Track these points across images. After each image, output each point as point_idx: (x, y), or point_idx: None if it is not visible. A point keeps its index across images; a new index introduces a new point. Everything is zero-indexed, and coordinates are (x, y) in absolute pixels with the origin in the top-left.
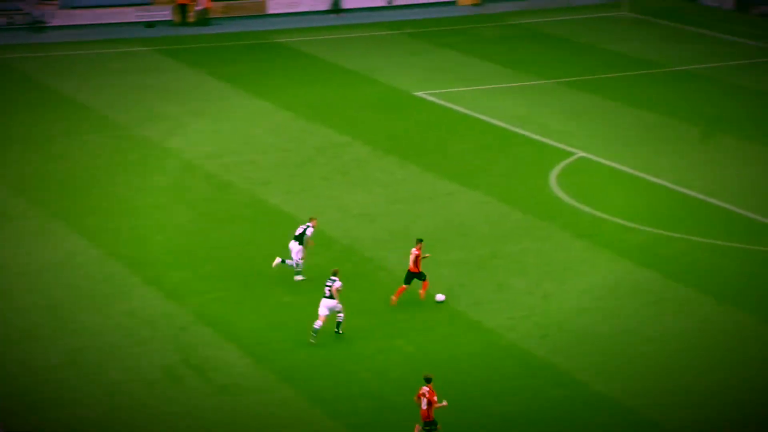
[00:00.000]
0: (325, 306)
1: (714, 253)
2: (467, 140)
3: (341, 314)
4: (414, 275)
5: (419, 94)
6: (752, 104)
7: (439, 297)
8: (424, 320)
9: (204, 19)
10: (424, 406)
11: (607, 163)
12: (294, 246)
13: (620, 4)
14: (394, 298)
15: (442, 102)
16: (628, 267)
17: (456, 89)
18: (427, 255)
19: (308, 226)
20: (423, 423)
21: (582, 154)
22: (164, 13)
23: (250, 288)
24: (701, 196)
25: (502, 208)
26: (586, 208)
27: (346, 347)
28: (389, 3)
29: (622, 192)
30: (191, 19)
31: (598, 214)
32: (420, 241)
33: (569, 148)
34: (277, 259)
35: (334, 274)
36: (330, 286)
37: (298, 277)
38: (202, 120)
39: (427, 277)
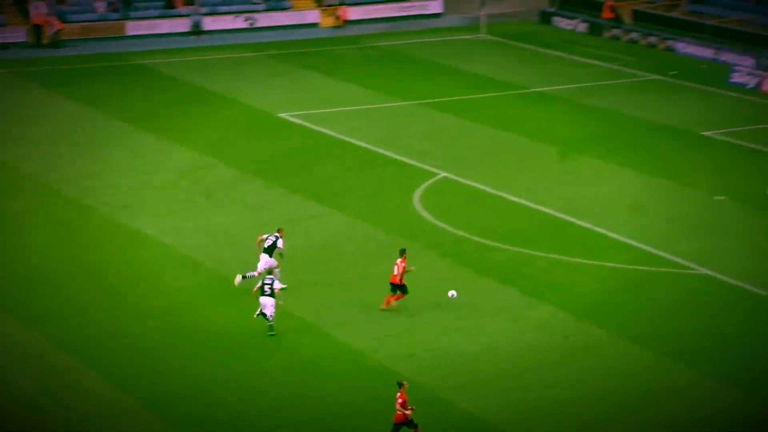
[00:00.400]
0: (264, 305)
1: (572, 271)
2: (332, 162)
3: (271, 316)
4: (397, 287)
5: (283, 115)
6: (606, 124)
7: (452, 293)
8: (291, 342)
9: (58, 41)
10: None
11: (469, 183)
12: (263, 257)
13: (479, 26)
14: (384, 306)
15: (306, 123)
16: (491, 285)
17: (320, 111)
18: (412, 268)
19: (278, 237)
20: (393, 425)
21: (444, 174)
22: (18, 35)
23: (112, 312)
24: (559, 215)
25: (367, 228)
26: (449, 228)
27: (211, 370)
28: (251, 25)
29: (484, 211)
30: (46, 41)
31: (461, 233)
32: (404, 252)
33: (432, 169)
34: (238, 277)
35: (271, 272)
36: (270, 284)
37: (238, 279)
38: (59, 143)
39: (407, 292)
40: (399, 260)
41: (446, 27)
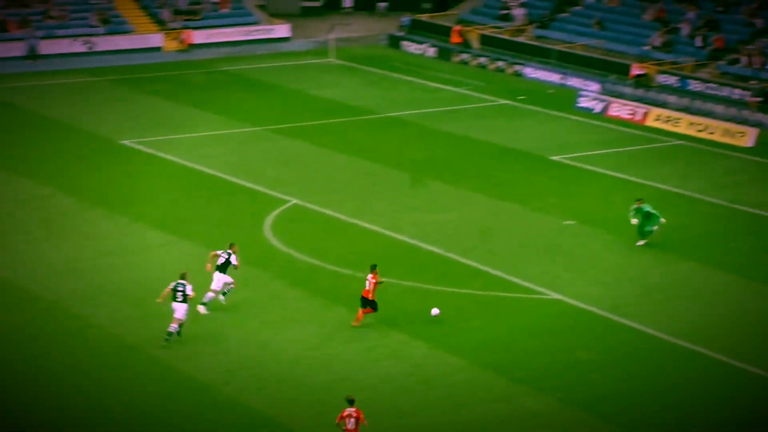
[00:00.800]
0: (177, 310)
1: (426, 298)
2: (178, 189)
3: (176, 326)
4: (368, 302)
5: (125, 142)
6: (456, 149)
7: (435, 311)
8: (135, 376)
9: None
10: (351, 426)
11: (321, 210)
12: (217, 275)
13: (327, 50)
14: (355, 322)
15: (150, 150)
16: (343, 314)
17: (165, 137)
18: (383, 280)
19: (230, 254)
20: None
21: (296, 201)
22: None
23: None
24: (412, 241)
25: None
26: (301, 256)
27: (46, 410)
28: (90, 49)
29: (337, 239)
30: None
31: (314, 261)
32: (374, 267)
33: (283, 196)
34: (201, 308)
35: (183, 277)
36: (183, 291)
37: (203, 310)
38: None
39: (377, 309)
40: (370, 275)
41: (294, 51)
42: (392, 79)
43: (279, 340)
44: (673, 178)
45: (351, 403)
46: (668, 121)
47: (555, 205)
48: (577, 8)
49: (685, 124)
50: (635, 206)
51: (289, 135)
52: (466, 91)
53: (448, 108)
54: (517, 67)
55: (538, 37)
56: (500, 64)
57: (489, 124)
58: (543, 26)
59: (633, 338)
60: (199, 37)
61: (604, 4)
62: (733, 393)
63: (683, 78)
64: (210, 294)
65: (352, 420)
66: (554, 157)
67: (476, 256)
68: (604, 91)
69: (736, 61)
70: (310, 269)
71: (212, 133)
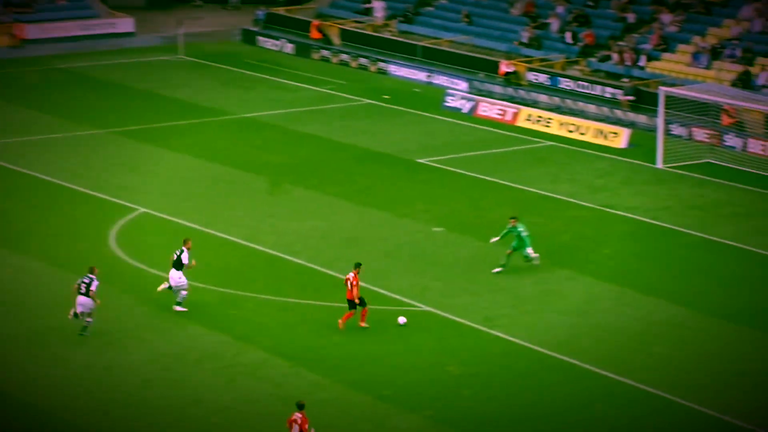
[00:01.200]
0: (80, 304)
1: (286, 312)
2: (10, 198)
3: (90, 320)
4: (354, 303)
5: None
6: (319, 153)
7: (401, 320)
8: None
9: None
10: None
11: (172, 219)
12: (173, 273)
13: (177, 47)
14: (340, 322)
15: None
16: (198, 331)
17: None
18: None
19: (182, 250)
20: None
21: (144, 209)
22: None
23: None
24: (271, 251)
25: (54, 273)
26: (150, 269)
27: None
28: None
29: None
30: None
31: (164, 275)
32: (359, 265)
33: (129, 204)
34: (164, 284)
35: (91, 272)
36: (88, 284)
37: (178, 308)
38: None
39: (365, 306)
40: (351, 275)
41: (140, 47)
42: (248, 78)
43: (126, 361)
44: (544, 182)
45: (300, 408)
46: (539, 121)
47: (423, 211)
48: (443, 2)
49: (557, 125)
50: (510, 225)
51: (135, 138)
52: (328, 90)
53: (309, 108)
54: (381, 65)
55: (402, 33)
56: (363, 61)
57: (353, 126)
58: (407, 21)
59: (506, 351)
60: (32, 31)
61: None
62: (607, 404)
63: (553, 76)
64: (165, 285)
65: (297, 427)
66: (421, 160)
67: (340, 266)
68: (472, 90)
69: (607, 58)
70: (159, 283)
71: (50, 136)
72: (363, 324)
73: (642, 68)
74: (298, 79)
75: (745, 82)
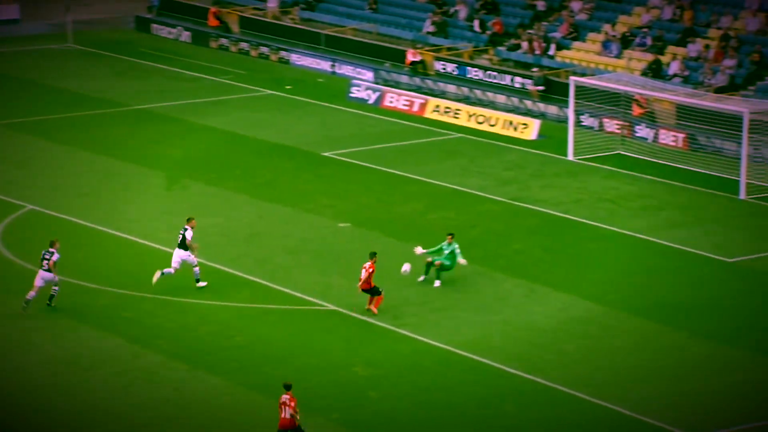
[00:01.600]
0: (40, 278)
1: (185, 313)
2: None
3: (56, 287)
4: (370, 291)
5: None
6: (218, 146)
7: (405, 268)
8: None
9: None
10: (285, 415)
11: (62, 216)
12: (180, 253)
13: (66, 35)
14: (374, 309)
15: None
16: (91, 335)
17: None
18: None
19: (186, 229)
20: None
21: (31, 207)
22: None
23: None
24: (169, 250)
25: None
26: (38, 270)
27: None
28: None
29: (80, 249)
30: None
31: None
32: (374, 255)
33: (16, 201)
34: (158, 273)
35: (52, 245)
36: (48, 259)
37: (201, 284)
38: None
39: (379, 295)
40: (368, 264)
41: (26, 35)
42: (142, 67)
43: (14, 366)
44: (454, 175)
45: (287, 388)
46: (447, 112)
47: (328, 206)
48: None
49: (465, 116)
50: (447, 242)
51: (23, 131)
52: (227, 81)
53: (208, 99)
54: (283, 54)
55: (305, 20)
56: (264, 50)
57: (254, 117)
58: (309, 8)
59: (414, 350)
60: None
61: None
62: (517, 403)
63: (462, 65)
64: (170, 270)
65: (286, 408)
66: (326, 153)
67: (242, 264)
68: (378, 80)
69: (516, 47)
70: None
71: None
72: (375, 309)
73: (552, 57)
74: (196, 69)
75: (655, 71)
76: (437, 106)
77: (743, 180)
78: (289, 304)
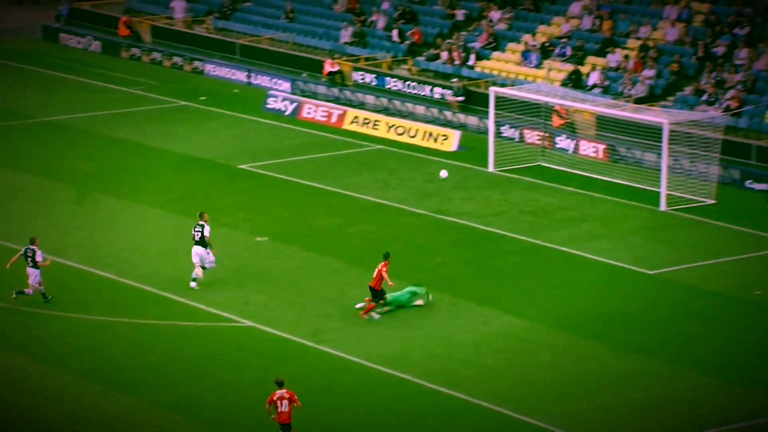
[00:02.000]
0: (31, 275)
1: (98, 331)
2: None
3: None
4: (376, 292)
5: None
6: (131, 158)
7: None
8: None
9: None
10: (284, 408)
11: None
12: (199, 250)
13: None
14: (363, 314)
15: None
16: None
17: None
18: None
19: (203, 226)
20: (280, 426)
21: None
22: None
23: None
24: (80, 266)
25: None
26: None
27: None
28: None
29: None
30: None
31: None
32: (387, 255)
33: None
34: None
35: (32, 243)
36: (32, 256)
37: (193, 284)
38: None
39: (377, 301)
40: (381, 264)
41: None
42: (50, 78)
43: None
44: (374, 187)
45: (280, 385)
46: (366, 123)
47: (245, 220)
48: None
49: (385, 127)
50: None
51: None
52: (139, 92)
53: (120, 111)
54: (197, 64)
55: (219, 30)
56: (177, 60)
57: (168, 129)
58: (223, 17)
59: (334, 366)
60: None
61: None
62: (439, 419)
63: (380, 75)
64: (197, 270)
65: (285, 401)
66: (242, 166)
67: (155, 281)
68: (296, 91)
69: (436, 57)
70: None
71: None
72: (365, 315)
73: (471, 67)
74: (106, 80)
75: (575, 81)
76: (356, 118)
77: (663, 191)
78: (205, 321)
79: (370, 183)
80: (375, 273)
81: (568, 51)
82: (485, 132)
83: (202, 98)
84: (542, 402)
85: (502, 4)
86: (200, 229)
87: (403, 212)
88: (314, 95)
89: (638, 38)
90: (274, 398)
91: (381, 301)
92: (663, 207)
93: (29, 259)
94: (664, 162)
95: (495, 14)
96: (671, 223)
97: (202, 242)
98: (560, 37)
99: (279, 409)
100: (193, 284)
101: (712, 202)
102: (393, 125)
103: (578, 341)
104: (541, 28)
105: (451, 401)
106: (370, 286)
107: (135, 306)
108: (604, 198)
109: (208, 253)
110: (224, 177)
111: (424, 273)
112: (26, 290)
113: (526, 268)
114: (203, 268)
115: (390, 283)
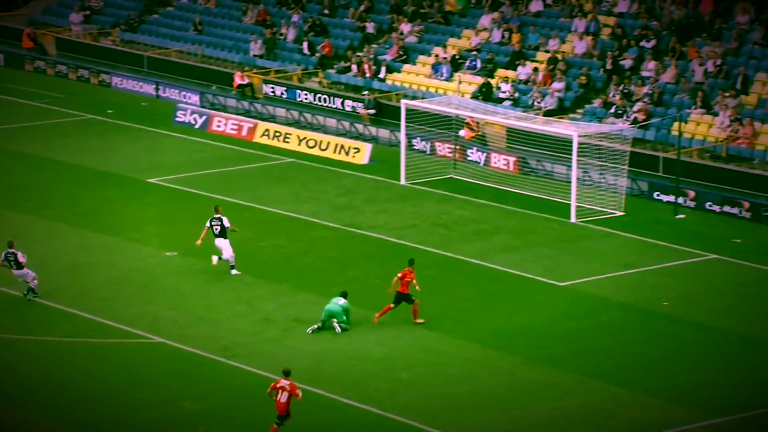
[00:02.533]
0: (19, 276)
1: (8, 351)
2: None
3: (35, 281)
4: (403, 296)
5: None
6: (38, 173)
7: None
8: None
9: None
10: (282, 399)
11: None
12: (221, 243)
13: None
14: (377, 315)
15: None
16: None
17: None
18: (417, 288)
19: (221, 219)
20: (277, 416)
21: None
22: None
23: None
24: None
25: None
26: None
27: None
28: None
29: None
30: None
31: None
32: (412, 262)
33: None
34: (215, 258)
35: (10, 246)
36: (14, 259)
37: (235, 272)
38: None
39: (397, 305)
40: (407, 270)
41: None
42: None
43: None
44: (285, 201)
45: (287, 374)
46: (277, 136)
47: (154, 234)
48: (169, 9)
49: (296, 140)
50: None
51: None
52: (44, 105)
53: (24, 125)
54: (104, 77)
55: (126, 42)
56: (83, 72)
57: (74, 143)
58: (130, 29)
59: (246, 383)
60: None
61: (200, 5)
62: None
63: (291, 88)
64: (230, 257)
65: (285, 393)
66: (151, 180)
67: (62, 297)
68: (205, 104)
69: (346, 70)
70: None
71: None
72: (418, 320)
73: (382, 80)
74: (10, 93)
75: (486, 94)
76: (266, 130)
77: (573, 203)
78: (114, 338)
79: (281, 196)
80: (395, 280)
81: (479, 64)
82: (397, 145)
83: (110, 111)
84: (455, 415)
85: (412, 17)
86: (218, 222)
87: (315, 225)
88: (224, 108)
89: (547, 51)
90: (277, 386)
91: (412, 301)
92: (573, 219)
93: (11, 263)
94: (574, 174)
95: (405, 27)
96: (581, 234)
97: (223, 233)
98: (470, 50)
99: (278, 398)
100: (234, 271)
101: (621, 213)
102: (304, 138)
103: (490, 353)
104: (451, 41)
105: (364, 415)
106: (398, 292)
107: (40, 322)
108: (515, 210)
109: (228, 244)
110: (133, 191)
111: (337, 287)
112: (30, 285)
113: (438, 281)
114: (220, 259)
115: (417, 287)
